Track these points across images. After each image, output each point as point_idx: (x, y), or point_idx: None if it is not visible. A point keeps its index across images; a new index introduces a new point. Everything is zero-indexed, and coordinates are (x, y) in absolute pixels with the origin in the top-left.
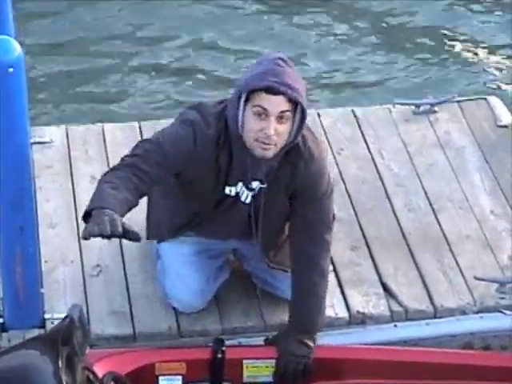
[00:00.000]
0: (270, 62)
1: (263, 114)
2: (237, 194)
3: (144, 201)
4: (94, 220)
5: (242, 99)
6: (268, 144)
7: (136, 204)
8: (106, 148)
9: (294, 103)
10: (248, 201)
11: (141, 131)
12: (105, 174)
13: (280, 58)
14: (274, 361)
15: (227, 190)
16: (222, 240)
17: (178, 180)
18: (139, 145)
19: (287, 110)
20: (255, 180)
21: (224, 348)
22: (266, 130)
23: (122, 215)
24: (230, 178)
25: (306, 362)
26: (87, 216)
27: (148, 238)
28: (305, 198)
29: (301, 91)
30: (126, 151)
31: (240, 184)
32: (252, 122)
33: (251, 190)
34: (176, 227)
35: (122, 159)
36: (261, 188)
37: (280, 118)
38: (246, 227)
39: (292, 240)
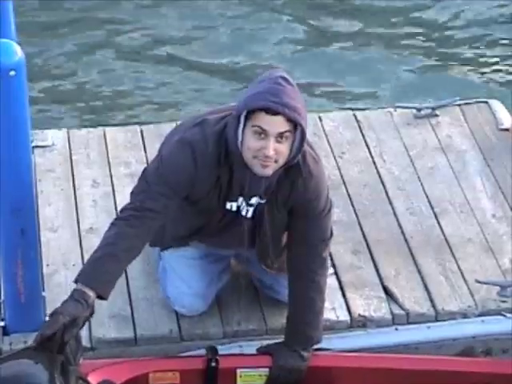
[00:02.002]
0: (270, 80)
1: (262, 133)
2: (238, 208)
3: None
4: (50, 319)
5: (242, 118)
6: (268, 162)
7: (147, 241)
8: (107, 151)
9: (294, 122)
10: (249, 215)
11: (142, 135)
12: (115, 219)
13: (281, 77)
14: (267, 369)
15: (228, 205)
16: (225, 249)
17: (186, 201)
18: (142, 177)
19: (287, 131)
20: (254, 196)
21: (218, 357)
22: (264, 149)
23: (114, 283)
24: (230, 193)
25: (299, 374)
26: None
27: (151, 246)
28: (303, 215)
29: (300, 110)
30: (127, 155)
31: (240, 199)
32: (251, 141)
33: (250, 205)
34: (180, 238)
35: (131, 196)
36: (260, 203)
37: (280, 137)
38: (248, 239)
39: (289, 255)
